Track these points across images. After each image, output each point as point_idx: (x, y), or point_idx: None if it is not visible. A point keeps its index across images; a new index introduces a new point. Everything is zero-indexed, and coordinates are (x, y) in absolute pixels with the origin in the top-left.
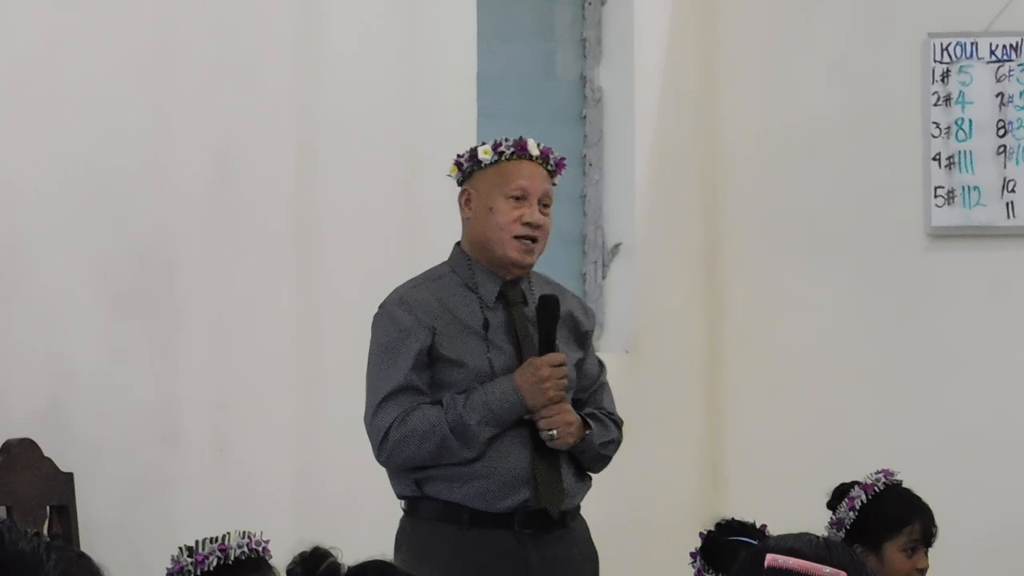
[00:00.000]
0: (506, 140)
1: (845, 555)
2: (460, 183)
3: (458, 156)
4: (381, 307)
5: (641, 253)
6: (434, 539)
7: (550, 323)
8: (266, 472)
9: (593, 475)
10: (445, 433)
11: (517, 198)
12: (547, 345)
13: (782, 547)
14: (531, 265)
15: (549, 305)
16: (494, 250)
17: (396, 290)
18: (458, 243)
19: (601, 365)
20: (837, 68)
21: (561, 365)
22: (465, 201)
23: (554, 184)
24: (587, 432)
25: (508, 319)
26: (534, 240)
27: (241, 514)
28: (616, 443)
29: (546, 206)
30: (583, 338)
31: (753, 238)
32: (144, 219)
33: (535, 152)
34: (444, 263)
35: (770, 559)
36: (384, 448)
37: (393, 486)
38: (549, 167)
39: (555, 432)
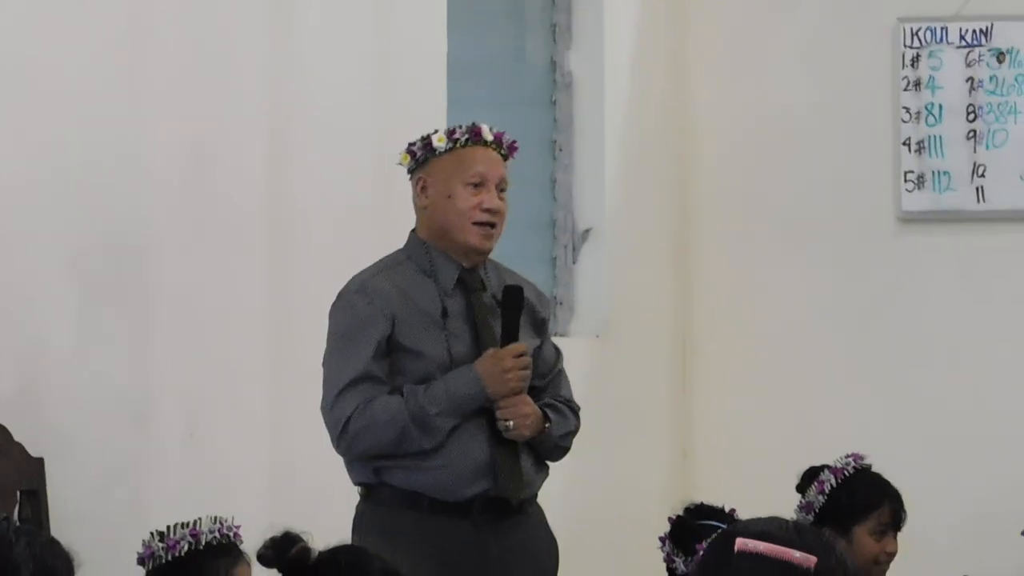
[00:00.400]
0: (460, 127)
1: (815, 539)
2: (411, 171)
3: (410, 144)
4: (340, 295)
5: (611, 238)
6: (393, 525)
7: (514, 312)
8: (238, 457)
9: (551, 463)
10: (406, 423)
11: (475, 184)
12: (510, 335)
13: (752, 531)
14: (490, 251)
15: (514, 295)
16: (454, 237)
17: (355, 277)
18: (413, 230)
19: (558, 352)
20: (808, 52)
21: (522, 355)
22: (421, 189)
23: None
24: (547, 425)
25: (467, 306)
26: (492, 225)
27: (213, 499)
28: (573, 433)
29: (502, 191)
30: (540, 325)
31: (724, 223)
32: (117, 207)
33: (489, 137)
34: (400, 250)
35: (740, 543)
36: (344, 438)
37: (349, 473)
38: (502, 151)
39: (511, 424)
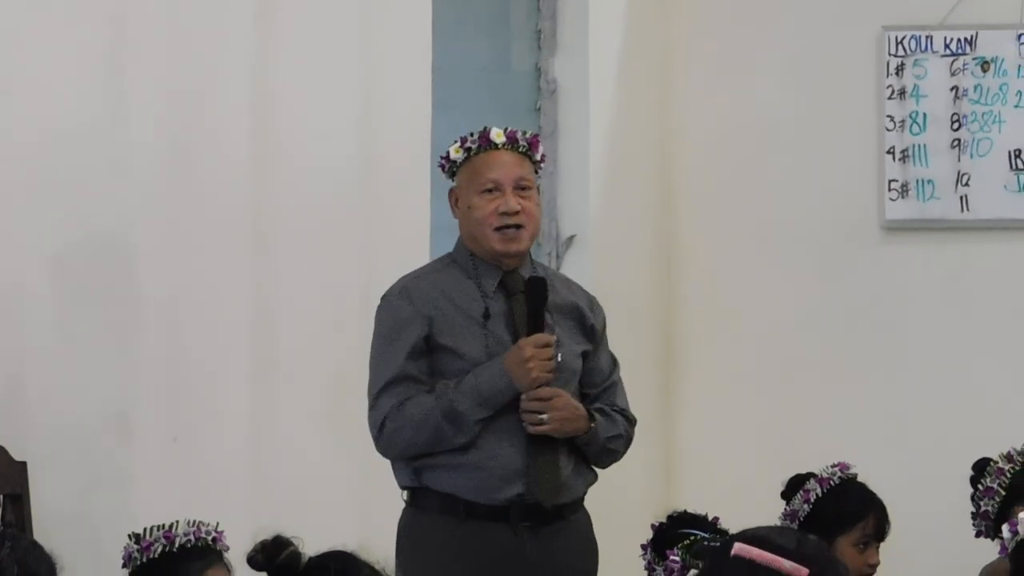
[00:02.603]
0: (471, 134)
1: (816, 552)
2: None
3: (440, 159)
4: (383, 297)
5: (595, 245)
6: (432, 530)
7: (537, 303)
8: (222, 461)
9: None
10: (438, 420)
11: (490, 190)
12: (534, 326)
13: (752, 537)
14: (522, 251)
15: (535, 287)
16: (483, 245)
17: (399, 280)
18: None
19: (614, 362)
20: (793, 60)
21: (547, 346)
22: (454, 202)
23: (537, 161)
24: (592, 425)
25: (508, 308)
26: (516, 227)
27: (196, 504)
28: (624, 439)
29: (524, 188)
30: (590, 332)
31: (708, 230)
32: (99, 209)
33: (500, 140)
34: (448, 254)
35: (736, 547)
36: (382, 438)
37: (395, 476)
38: (520, 149)
39: (544, 417)
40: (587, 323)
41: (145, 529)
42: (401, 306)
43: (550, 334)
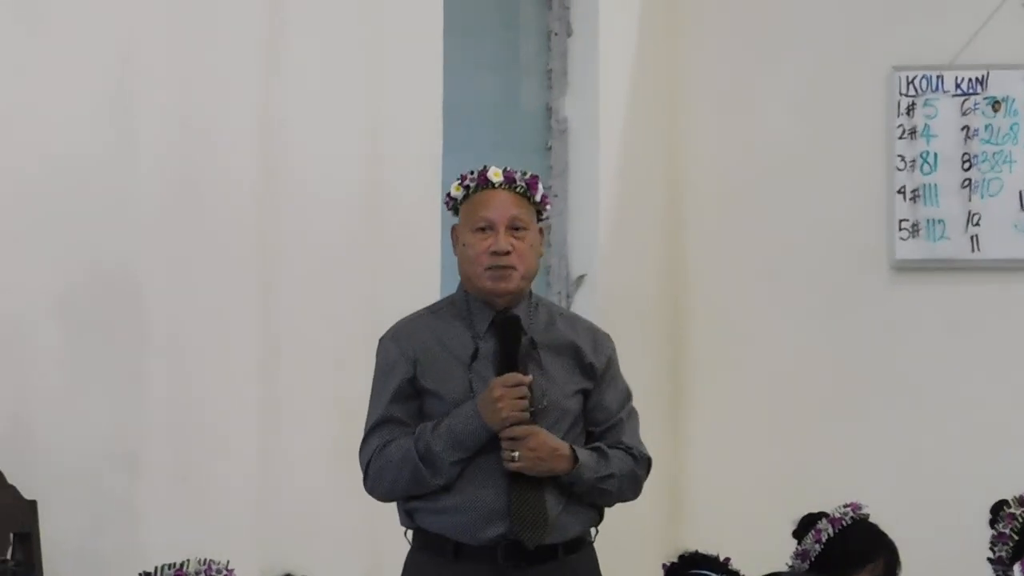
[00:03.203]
0: (471, 173)
1: None
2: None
3: (445, 196)
4: (380, 339)
5: (605, 284)
6: (426, 570)
7: (508, 344)
8: (229, 498)
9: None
10: (415, 461)
11: (483, 229)
12: (505, 365)
13: None
14: (512, 291)
15: (505, 325)
16: (475, 284)
17: (397, 322)
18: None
19: (626, 399)
20: (802, 100)
21: (519, 385)
22: (453, 240)
23: (539, 203)
24: (576, 464)
25: (497, 348)
26: (507, 267)
27: (204, 540)
28: (620, 478)
29: (518, 228)
30: (588, 370)
31: (717, 269)
32: (104, 243)
33: (497, 179)
34: (447, 297)
35: None
36: (368, 480)
37: (399, 516)
38: (517, 189)
39: (516, 454)
40: (585, 361)
41: (156, 568)
42: (390, 348)
43: (523, 374)
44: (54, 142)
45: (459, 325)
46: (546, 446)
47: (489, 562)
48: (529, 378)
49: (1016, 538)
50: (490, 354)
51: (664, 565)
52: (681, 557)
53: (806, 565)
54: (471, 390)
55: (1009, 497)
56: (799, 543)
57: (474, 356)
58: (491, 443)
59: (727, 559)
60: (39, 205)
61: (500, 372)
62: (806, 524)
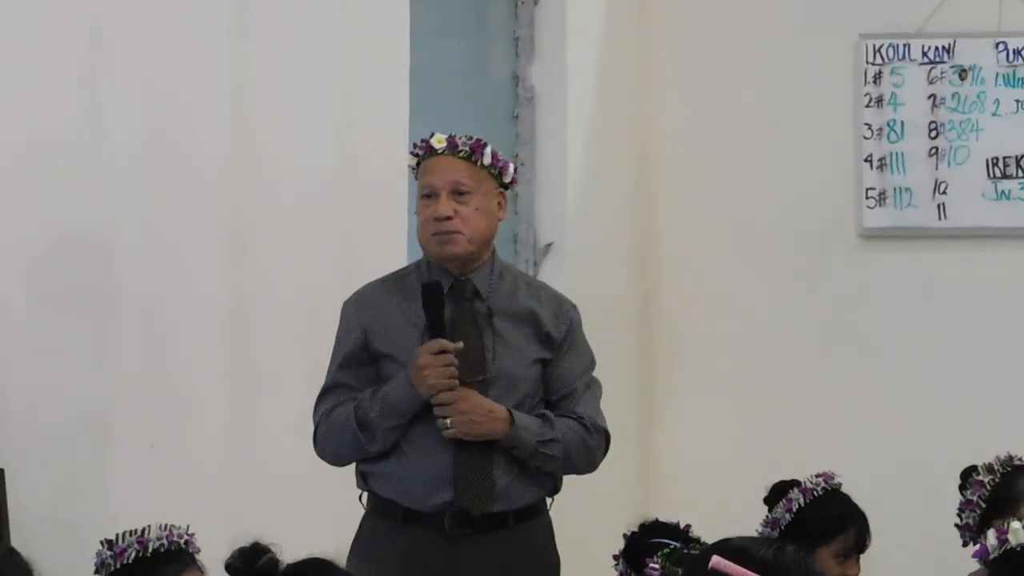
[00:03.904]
0: (421, 141)
1: (793, 562)
2: None
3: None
4: (343, 303)
5: (573, 252)
6: (376, 534)
7: (432, 310)
8: (199, 466)
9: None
10: (353, 427)
11: (428, 196)
12: (433, 332)
13: (732, 548)
14: (459, 255)
15: (428, 292)
16: (427, 251)
17: (361, 287)
18: None
19: (585, 370)
20: (770, 68)
21: (443, 352)
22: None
23: (492, 166)
24: (512, 427)
25: (452, 316)
26: (451, 232)
27: (173, 509)
28: (566, 444)
29: (461, 193)
30: (546, 340)
31: (686, 238)
32: (76, 213)
33: (440, 146)
34: (415, 262)
35: (714, 560)
36: (316, 444)
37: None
38: (460, 154)
39: (448, 421)
40: (543, 330)
41: (118, 535)
42: (347, 314)
43: (453, 341)
44: (23, 111)
45: (418, 289)
46: (479, 408)
47: (437, 528)
48: (456, 345)
49: (983, 506)
50: (447, 319)
51: (625, 535)
52: (641, 526)
53: (776, 534)
54: None
55: (979, 464)
56: (769, 511)
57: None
58: (431, 405)
59: (687, 526)
60: (9, 174)
61: (430, 338)
62: (777, 491)
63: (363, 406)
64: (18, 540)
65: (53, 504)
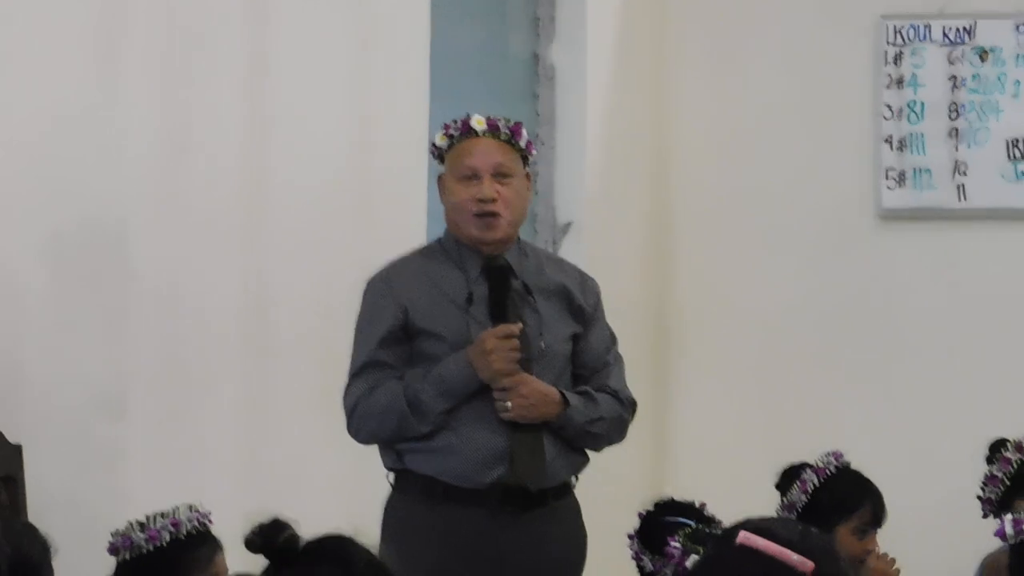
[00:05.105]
0: (455, 122)
1: (820, 544)
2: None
3: (430, 145)
4: (368, 281)
5: (592, 232)
6: (413, 513)
7: (499, 293)
8: (215, 444)
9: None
10: (403, 407)
11: (468, 177)
12: (497, 316)
13: (757, 527)
14: (499, 239)
15: (495, 274)
16: (462, 232)
17: (387, 264)
18: None
19: (611, 342)
20: (790, 48)
21: (510, 336)
22: (440, 189)
23: (523, 148)
24: (566, 408)
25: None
26: (492, 215)
27: (189, 486)
28: (609, 421)
29: (503, 176)
30: (578, 313)
31: (704, 218)
32: (93, 194)
33: (480, 127)
34: (437, 240)
35: (742, 536)
36: (352, 423)
37: (381, 458)
38: (501, 136)
39: (508, 404)
40: (575, 304)
41: (148, 517)
42: (380, 291)
43: (513, 322)
44: (41, 95)
45: (451, 267)
46: (537, 392)
47: (480, 505)
48: (519, 327)
49: (1008, 483)
50: (484, 299)
51: (640, 514)
52: (656, 504)
53: (793, 516)
54: (469, 333)
55: (1010, 438)
56: (784, 495)
57: (469, 300)
58: (485, 385)
59: (703, 504)
60: (27, 157)
61: (492, 321)
62: (789, 476)
63: (412, 387)
64: (34, 516)
65: (69, 480)
